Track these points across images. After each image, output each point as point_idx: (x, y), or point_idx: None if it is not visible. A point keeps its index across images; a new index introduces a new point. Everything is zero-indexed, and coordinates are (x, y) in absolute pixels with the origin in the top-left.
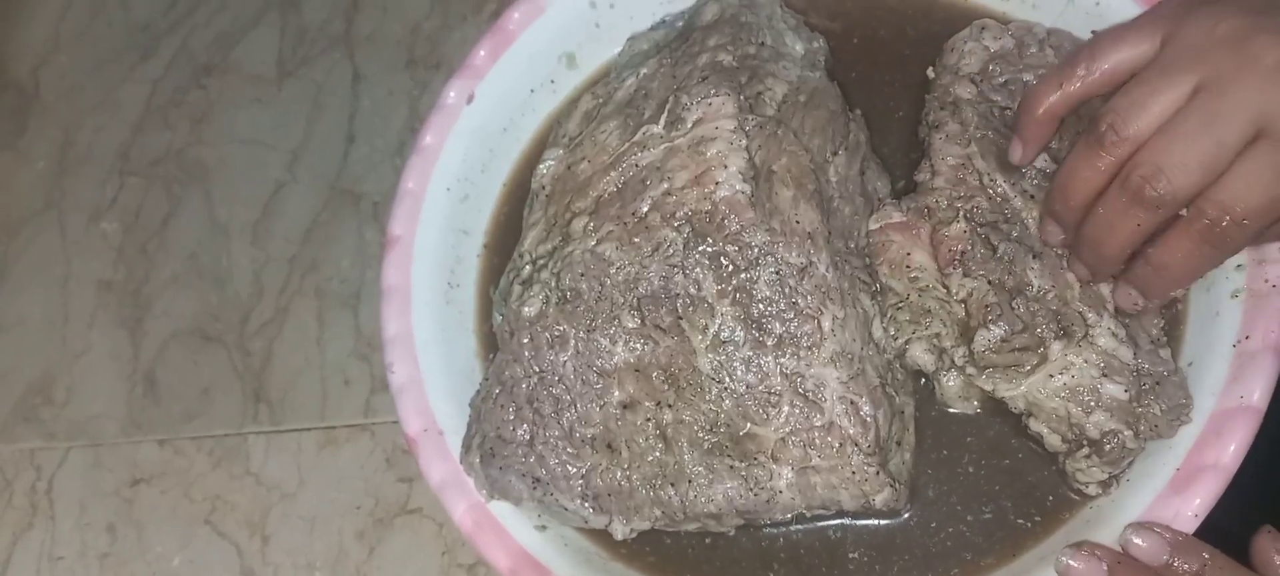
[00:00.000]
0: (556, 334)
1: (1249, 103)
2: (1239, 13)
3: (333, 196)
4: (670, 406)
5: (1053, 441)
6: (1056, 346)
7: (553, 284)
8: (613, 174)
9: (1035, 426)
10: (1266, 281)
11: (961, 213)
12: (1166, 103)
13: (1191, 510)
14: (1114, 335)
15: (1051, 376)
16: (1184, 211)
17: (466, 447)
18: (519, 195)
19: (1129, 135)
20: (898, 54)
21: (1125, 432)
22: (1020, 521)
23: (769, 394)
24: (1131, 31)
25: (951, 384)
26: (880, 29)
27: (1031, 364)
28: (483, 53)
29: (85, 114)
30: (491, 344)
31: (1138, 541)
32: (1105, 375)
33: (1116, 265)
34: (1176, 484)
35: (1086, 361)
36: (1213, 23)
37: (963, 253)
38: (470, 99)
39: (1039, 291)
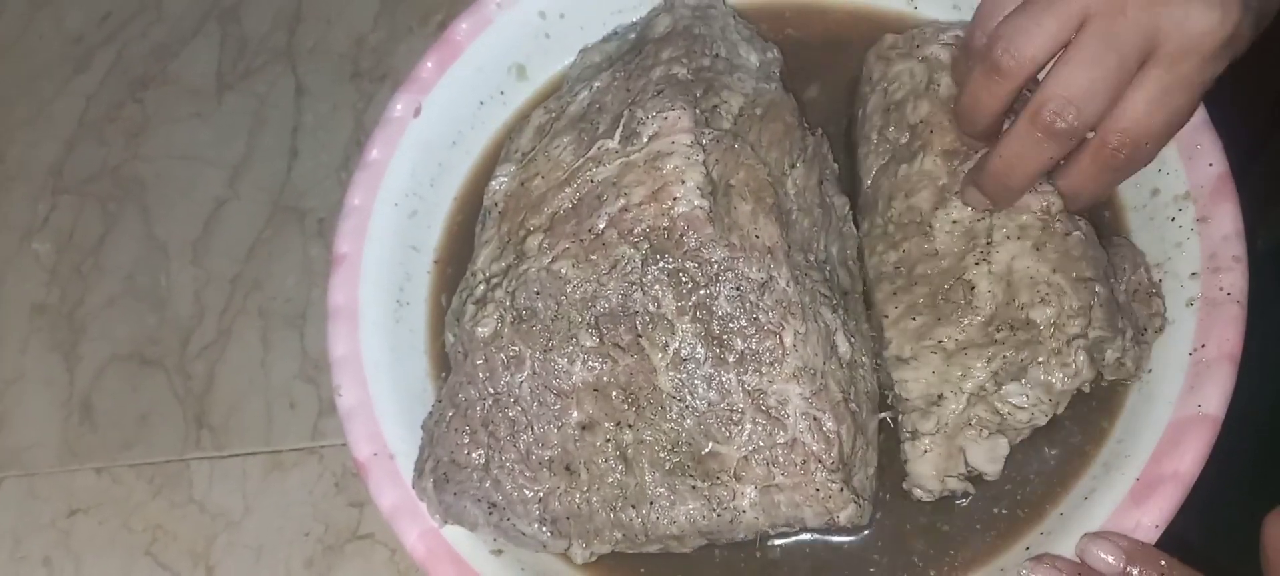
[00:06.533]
0: (512, 354)
1: (1138, 25)
2: None
3: (276, 213)
4: (630, 426)
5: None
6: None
7: (507, 303)
8: (567, 190)
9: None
10: (1221, 289)
11: None
12: (1055, 27)
13: (1152, 521)
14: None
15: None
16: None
17: (419, 472)
18: (469, 210)
19: (1027, 58)
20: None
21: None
22: (981, 534)
23: (731, 411)
24: None
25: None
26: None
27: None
28: (430, 65)
29: (15, 129)
30: (444, 364)
31: (1095, 551)
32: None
33: (1020, 195)
34: (1136, 495)
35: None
36: None
37: None
38: (417, 112)
39: None
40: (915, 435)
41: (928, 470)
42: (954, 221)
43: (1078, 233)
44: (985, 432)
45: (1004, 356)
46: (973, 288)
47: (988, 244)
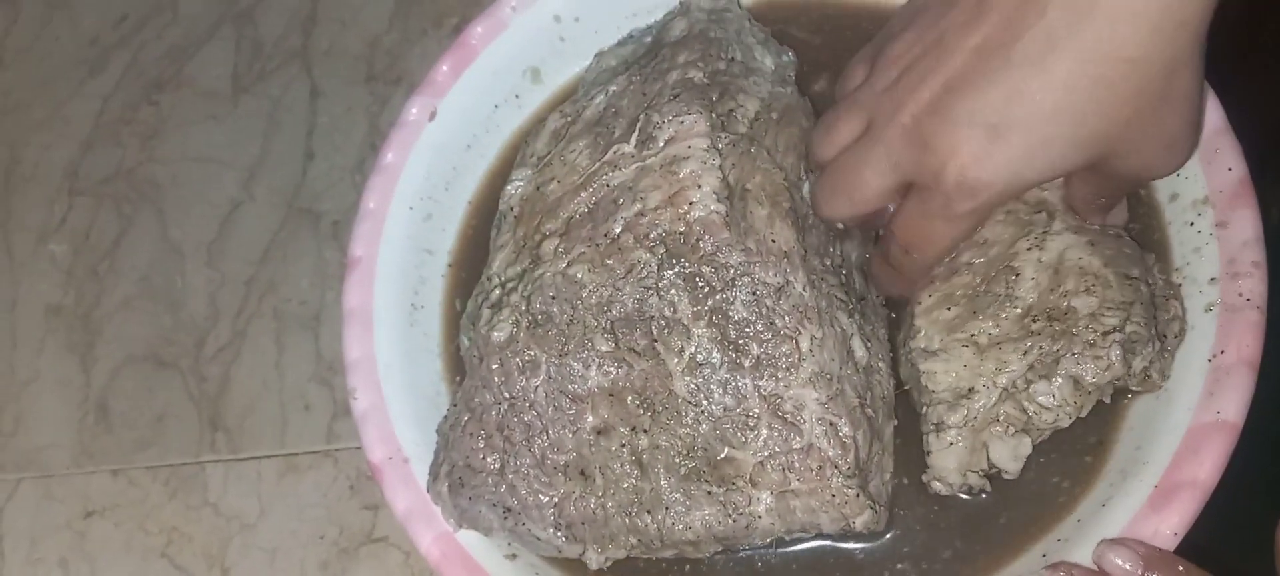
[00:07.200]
0: (527, 359)
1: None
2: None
3: (291, 215)
4: (646, 431)
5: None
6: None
7: (523, 307)
8: (583, 194)
9: None
10: (1240, 295)
11: None
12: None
13: (1170, 528)
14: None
15: None
16: None
17: (434, 476)
18: (484, 213)
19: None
20: None
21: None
22: (997, 540)
23: (747, 416)
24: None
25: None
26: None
27: None
28: (444, 68)
29: (31, 131)
30: (457, 366)
31: (1112, 557)
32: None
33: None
34: (1154, 502)
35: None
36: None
37: None
38: (432, 115)
39: None
40: (940, 427)
41: (950, 464)
42: (1008, 210)
43: (1127, 237)
44: (1011, 430)
45: (1040, 348)
46: (1017, 274)
47: (1044, 233)
